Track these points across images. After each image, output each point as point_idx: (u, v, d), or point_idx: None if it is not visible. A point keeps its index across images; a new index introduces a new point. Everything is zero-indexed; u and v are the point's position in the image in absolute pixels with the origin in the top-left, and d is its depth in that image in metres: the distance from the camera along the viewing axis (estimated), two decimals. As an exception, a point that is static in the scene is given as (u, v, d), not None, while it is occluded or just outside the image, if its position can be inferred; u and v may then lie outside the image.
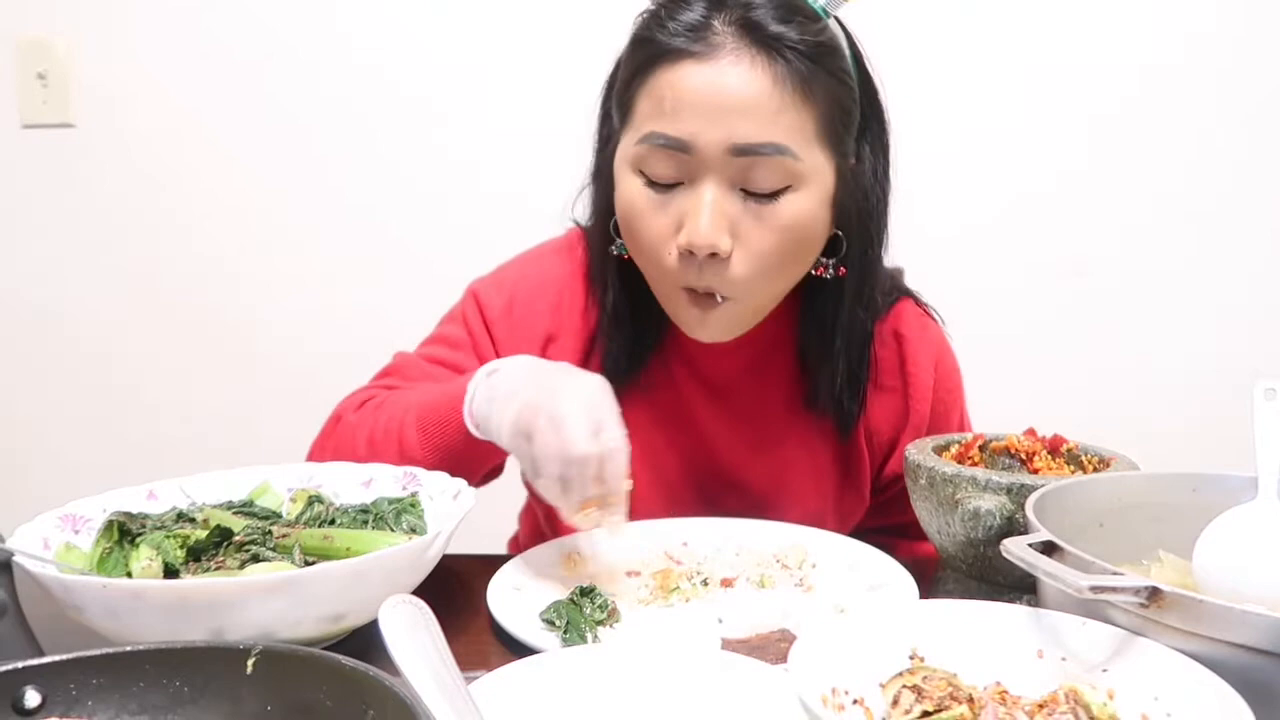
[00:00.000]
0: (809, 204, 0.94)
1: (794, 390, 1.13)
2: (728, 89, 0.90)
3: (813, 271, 1.03)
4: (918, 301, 1.18)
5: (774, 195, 0.93)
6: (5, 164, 2.07)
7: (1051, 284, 1.90)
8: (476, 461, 1.00)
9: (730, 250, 0.93)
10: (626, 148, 0.97)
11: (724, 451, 1.13)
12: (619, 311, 1.08)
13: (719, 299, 0.96)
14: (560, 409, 0.85)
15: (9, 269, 2.11)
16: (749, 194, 0.93)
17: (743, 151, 0.91)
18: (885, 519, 1.21)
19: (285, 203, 2.03)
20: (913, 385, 1.15)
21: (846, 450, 1.15)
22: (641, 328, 1.09)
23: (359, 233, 2.01)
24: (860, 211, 1.01)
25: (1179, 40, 1.83)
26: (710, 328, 1.00)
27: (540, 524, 1.19)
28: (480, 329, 1.12)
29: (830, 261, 1.02)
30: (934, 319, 1.19)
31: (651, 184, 0.95)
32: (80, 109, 2.04)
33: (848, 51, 0.98)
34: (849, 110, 0.97)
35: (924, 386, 1.15)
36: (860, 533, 1.15)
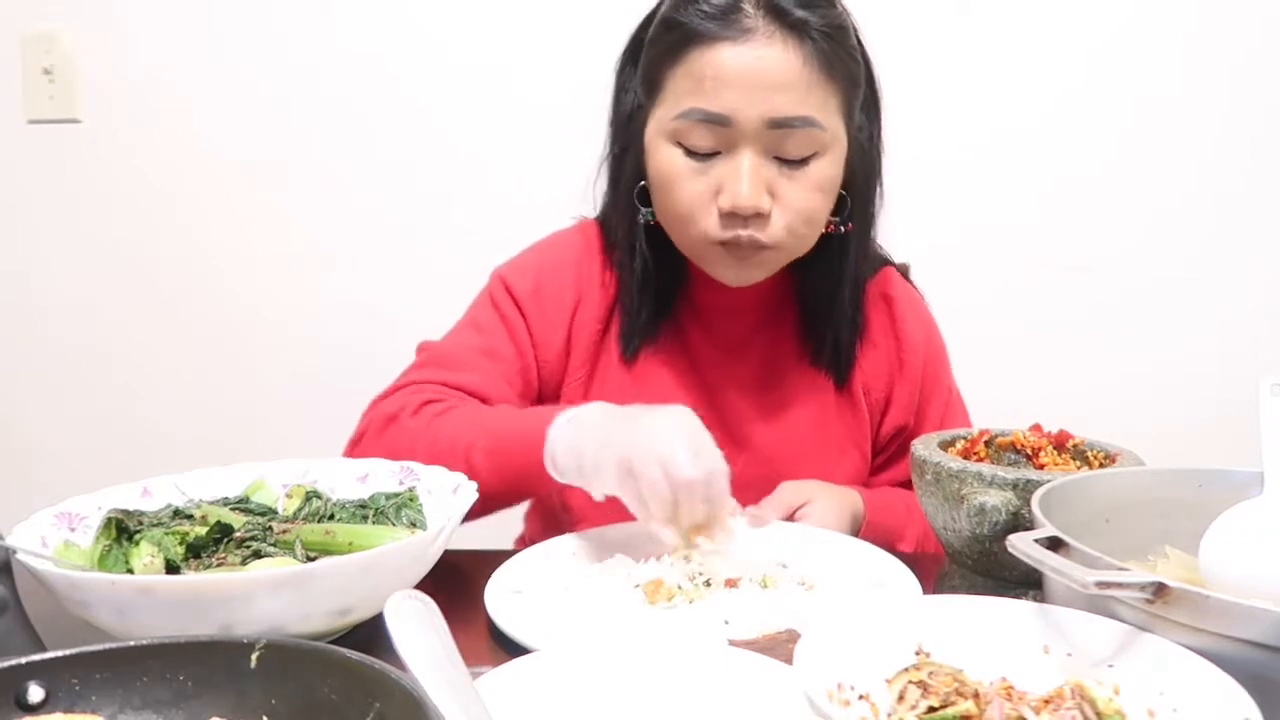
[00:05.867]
0: (833, 168, 1.06)
1: (799, 347, 1.20)
2: (765, 69, 1.00)
3: (823, 229, 1.11)
4: (900, 271, 1.27)
5: (804, 161, 1.03)
6: (11, 160, 2.07)
7: (1057, 281, 1.90)
8: (538, 492, 1.05)
9: (770, 209, 1.03)
10: (663, 121, 1.06)
11: (735, 411, 1.18)
12: (648, 272, 1.15)
13: (758, 249, 1.05)
14: (660, 442, 0.89)
15: (13, 265, 2.11)
16: (781, 160, 1.03)
17: (779, 124, 1.01)
18: (891, 475, 1.26)
19: (288, 199, 2.02)
20: (903, 339, 1.23)
21: (846, 408, 1.21)
22: (666, 288, 1.16)
23: (362, 229, 2.01)
24: (862, 172, 1.12)
25: (1183, 40, 1.82)
26: (749, 272, 1.09)
27: (558, 516, 1.19)
28: (513, 310, 1.17)
29: (837, 219, 1.11)
30: (918, 291, 1.28)
31: (691, 154, 1.04)
32: (86, 104, 2.04)
33: (853, 35, 1.08)
34: (859, 84, 1.09)
35: (916, 341, 1.23)
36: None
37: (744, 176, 1.01)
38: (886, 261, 1.25)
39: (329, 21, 1.96)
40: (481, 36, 1.93)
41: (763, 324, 1.20)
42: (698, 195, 1.04)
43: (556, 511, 1.20)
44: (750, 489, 1.08)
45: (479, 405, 1.09)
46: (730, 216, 1.03)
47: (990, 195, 1.89)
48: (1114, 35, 1.83)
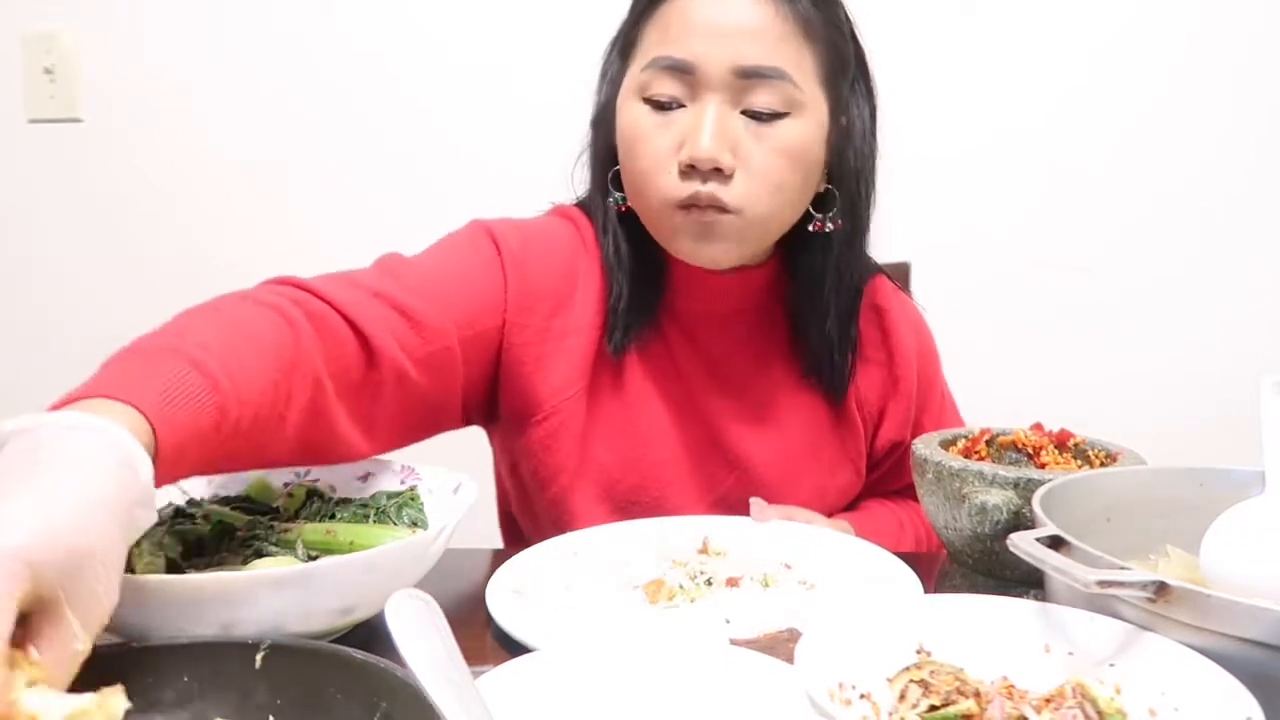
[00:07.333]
0: (805, 133, 0.99)
1: (791, 364, 1.15)
2: (734, 14, 0.96)
3: (810, 228, 1.06)
4: (891, 279, 1.22)
5: (773, 118, 0.97)
6: (12, 159, 2.07)
7: (1057, 280, 1.90)
8: None
9: (733, 168, 0.97)
10: (632, 78, 1.02)
11: (725, 428, 1.13)
12: (620, 256, 1.07)
13: (720, 211, 0.98)
14: None
15: (14, 265, 2.11)
16: (749, 116, 0.97)
17: (746, 74, 0.96)
18: (886, 487, 1.24)
19: (289, 199, 2.03)
20: (897, 353, 1.18)
21: (840, 423, 1.17)
22: (644, 278, 1.08)
23: (362, 229, 2.00)
24: (852, 166, 1.06)
25: (1185, 40, 1.83)
26: (712, 246, 1.01)
27: (556, 517, 1.18)
28: (492, 252, 1.05)
29: (824, 216, 1.06)
30: (908, 295, 1.24)
31: (654, 107, 0.99)
32: (87, 104, 2.04)
33: (842, 10, 1.04)
34: (845, 59, 1.04)
35: (908, 352, 1.19)
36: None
37: (706, 126, 0.95)
38: (877, 269, 1.20)
39: (329, 21, 1.96)
40: (481, 36, 1.93)
41: (751, 336, 1.14)
42: (659, 151, 0.98)
43: (549, 511, 1.18)
44: (741, 507, 1.06)
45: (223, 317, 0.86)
46: (690, 171, 0.97)
47: (991, 195, 1.89)
48: (1115, 36, 1.83)
